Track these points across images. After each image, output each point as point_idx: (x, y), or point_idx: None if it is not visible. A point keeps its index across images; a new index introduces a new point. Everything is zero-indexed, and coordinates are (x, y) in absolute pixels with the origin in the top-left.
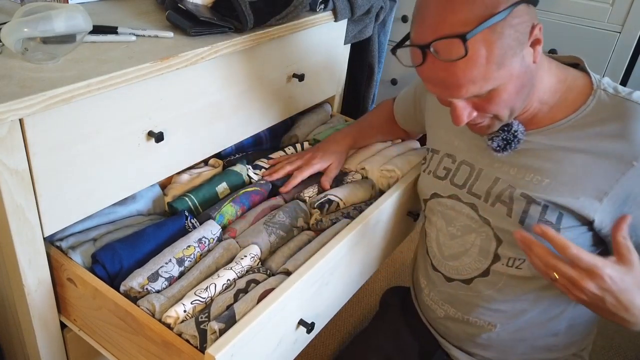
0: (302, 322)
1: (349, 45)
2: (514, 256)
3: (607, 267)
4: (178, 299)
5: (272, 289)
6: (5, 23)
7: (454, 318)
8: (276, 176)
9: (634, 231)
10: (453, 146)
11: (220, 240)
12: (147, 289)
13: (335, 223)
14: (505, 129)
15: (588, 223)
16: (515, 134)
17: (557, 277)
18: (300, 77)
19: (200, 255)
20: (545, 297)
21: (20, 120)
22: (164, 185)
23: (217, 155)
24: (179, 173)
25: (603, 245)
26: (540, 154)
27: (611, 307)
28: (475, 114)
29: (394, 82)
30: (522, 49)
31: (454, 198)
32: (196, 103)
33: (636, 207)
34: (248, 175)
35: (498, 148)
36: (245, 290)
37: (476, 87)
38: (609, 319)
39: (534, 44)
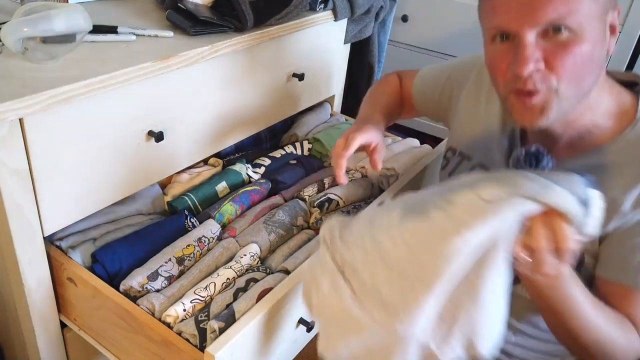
0: (301, 321)
1: (348, 45)
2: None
3: None
4: (178, 298)
5: (271, 288)
6: (5, 23)
7: None
8: (344, 178)
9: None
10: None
11: (219, 239)
12: (146, 288)
13: None
14: (534, 163)
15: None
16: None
17: None
18: (300, 77)
19: (200, 254)
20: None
21: (20, 120)
22: (164, 184)
23: (217, 155)
24: (178, 172)
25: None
26: None
27: None
28: (541, 65)
29: None
30: (606, 18)
31: None
32: (196, 103)
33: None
34: (247, 174)
35: None
36: (244, 289)
37: (565, 8)
38: None
39: (612, 29)
